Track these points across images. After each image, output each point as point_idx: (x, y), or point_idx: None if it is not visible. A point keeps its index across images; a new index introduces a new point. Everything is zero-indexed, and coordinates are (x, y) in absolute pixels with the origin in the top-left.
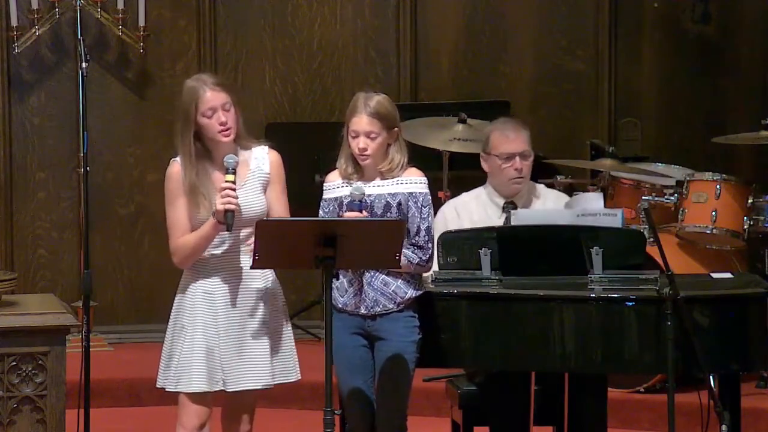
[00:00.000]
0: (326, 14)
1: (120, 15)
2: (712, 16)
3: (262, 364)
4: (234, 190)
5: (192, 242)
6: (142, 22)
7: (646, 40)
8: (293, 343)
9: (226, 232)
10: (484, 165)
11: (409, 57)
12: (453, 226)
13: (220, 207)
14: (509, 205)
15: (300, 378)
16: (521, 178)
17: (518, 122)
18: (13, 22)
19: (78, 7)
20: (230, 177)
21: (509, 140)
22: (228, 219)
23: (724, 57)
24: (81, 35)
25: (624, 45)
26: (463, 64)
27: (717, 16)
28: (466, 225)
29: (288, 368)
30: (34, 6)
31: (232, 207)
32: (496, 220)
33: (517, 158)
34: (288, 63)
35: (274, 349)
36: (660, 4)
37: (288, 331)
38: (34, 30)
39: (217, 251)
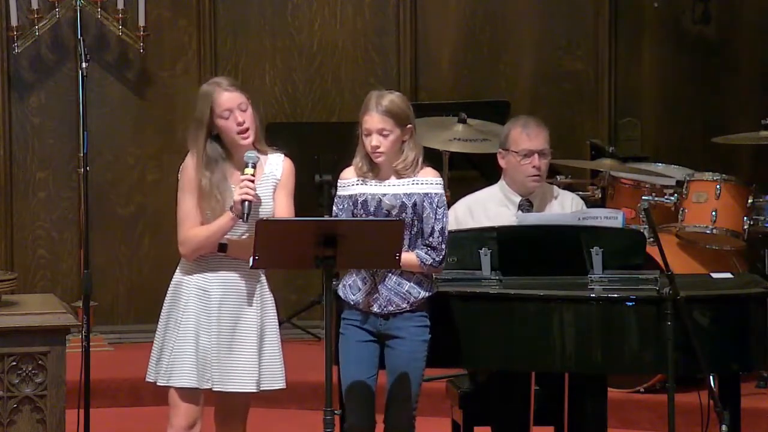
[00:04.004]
0: (326, 14)
1: (120, 15)
2: (712, 16)
3: (249, 368)
4: (253, 182)
5: (204, 234)
6: (142, 22)
7: (646, 40)
8: (280, 350)
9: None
10: (501, 162)
11: (409, 57)
12: (465, 225)
13: (237, 197)
14: (525, 203)
15: (285, 386)
16: (538, 176)
17: (538, 121)
18: (13, 22)
19: (78, 7)
20: (249, 170)
21: (529, 137)
22: (245, 208)
23: (724, 57)
24: (81, 35)
25: (624, 45)
26: (463, 64)
27: (717, 16)
28: (483, 222)
29: (275, 375)
30: (34, 6)
31: (249, 197)
32: (512, 217)
33: (536, 156)
34: (288, 63)
35: (262, 354)
36: (660, 4)
37: (276, 338)
38: (34, 30)
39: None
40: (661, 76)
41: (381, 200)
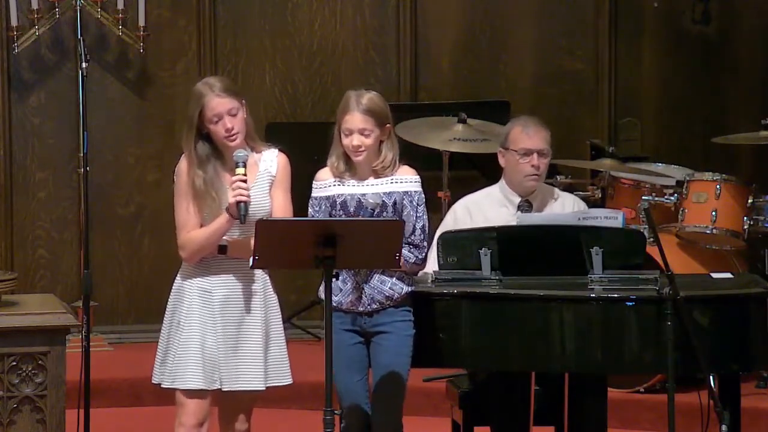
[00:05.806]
0: (326, 14)
1: (120, 15)
2: (712, 16)
3: (256, 365)
4: (245, 182)
5: (203, 236)
6: (142, 22)
7: (646, 40)
8: (286, 347)
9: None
10: (501, 160)
11: (409, 57)
12: (464, 226)
13: (232, 200)
14: (525, 204)
15: (292, 382)
16: (537, 175)
17: (540, 121)
18: (13, 22)
19: (78, 7)
20: (240, 170)
21: (529, 136)
22: (241, 210)
23: (724, 57)
24: (81, 35)
25: (624, 45)
26: (463, 64)
27: (717, 16)
28: (481, 223)
29: (281, 372)
30: (34, 6)
31: (244, 198)
32: (511, 217)
33: (535, 155)
34: (288, 63)
35: (268, 351)
36: (660, 4)
37: (281, 335)
38: (34, 30)
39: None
40: (661, 76)
41: (360, 200)
